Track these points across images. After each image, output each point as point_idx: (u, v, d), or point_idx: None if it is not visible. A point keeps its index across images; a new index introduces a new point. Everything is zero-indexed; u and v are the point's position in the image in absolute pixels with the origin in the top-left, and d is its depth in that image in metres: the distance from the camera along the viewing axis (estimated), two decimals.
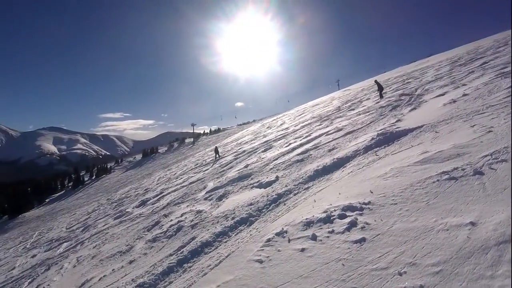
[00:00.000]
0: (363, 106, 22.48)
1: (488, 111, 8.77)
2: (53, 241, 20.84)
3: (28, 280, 12.48)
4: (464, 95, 12.09)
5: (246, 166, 16.85)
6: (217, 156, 31.07)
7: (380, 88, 23.67)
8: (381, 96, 23.08)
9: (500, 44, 25.77)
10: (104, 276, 8.72)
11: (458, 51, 38.08)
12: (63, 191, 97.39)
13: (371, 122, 14.78)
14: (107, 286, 7.72)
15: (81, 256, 12.41)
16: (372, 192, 6.14)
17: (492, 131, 6.99)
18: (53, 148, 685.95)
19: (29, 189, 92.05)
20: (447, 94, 14.05)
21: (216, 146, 35.61)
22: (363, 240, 4.64)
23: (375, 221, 5.03)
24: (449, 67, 24.74)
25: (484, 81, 13.40)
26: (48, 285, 10.42)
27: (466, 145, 6.70)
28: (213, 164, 25.87)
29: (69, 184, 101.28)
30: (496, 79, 12.86)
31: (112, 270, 8.89)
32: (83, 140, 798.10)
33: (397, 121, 12.36)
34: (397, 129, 10.69)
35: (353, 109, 23.12)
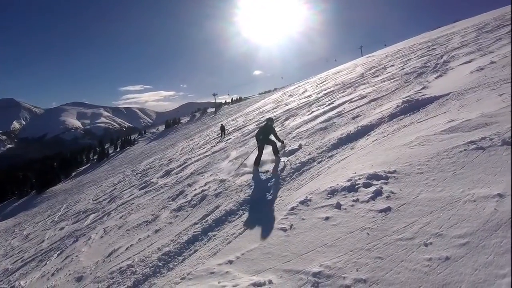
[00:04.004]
0: (387, 73, 21.96)
1: None
2: (81, 213, 21.26)
3: (57, 252, 12.79)
4: (492, 62, 11.70)
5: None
6: (223, 134, 29.98)
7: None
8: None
9: None
10: (130, 245, 8.91)
11: (485, 17, 36.86)
12: (89, 164, 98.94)
13: (396, 89, 14.51)
14: (133, 255, 7.88)
15: (108, 226, 12.66)
16: (397, 161, 6.09)
17: None
18: (77, 123, 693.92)
19: (55, 164, 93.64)
20: (474, 61, 13.62)
21: (222, 124, 34.88)
22: (388, 209, 4.62)
23: (400, 190, 5.00)
24: (475, 33, 23.92)
25: None
26: (77, 256, 10.67)
27: (494, 114, 6.52)
28: (218, 142, 25.81)
29: (94, 157, 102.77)
30: None
31: (139, 239, 9.07)
32: (106, 113, 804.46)
33: (422, 88, 12.09)
34: (422, 97, 10.48)
35: (377, 76, 22.59)
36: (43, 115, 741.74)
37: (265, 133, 10.92)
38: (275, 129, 12.18)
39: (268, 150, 11.05)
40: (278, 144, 11.35)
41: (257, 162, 10.73)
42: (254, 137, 12.18)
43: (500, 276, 2.95)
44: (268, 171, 10.00)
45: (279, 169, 9.66)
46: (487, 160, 4.84)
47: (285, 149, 11.59)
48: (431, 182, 4.84)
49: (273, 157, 10.85)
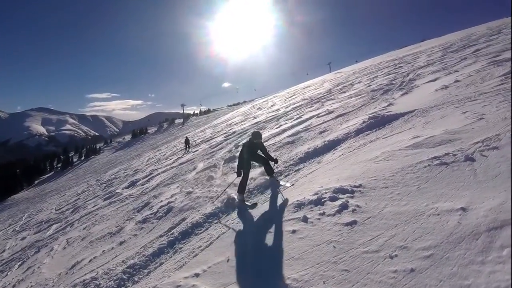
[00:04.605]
0: (354, 89, 22.44)
1: (480, 98, 8.81)
2: (43, 223, 20.68)
3: (18, 263, 12.38)
4: (456, 81, 12.13)
5: (236, 147, 16.94)
6: (187, 147, 29.21)
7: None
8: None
9: (493, 32, 25.77)
10: (94, 257, 8.68)
11: (450, 37, 38.13)
12: (52, 172, 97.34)
13: (362, 105, 14.83)
14: (97, 268, 7.68)
15: (71, 237, 12.32)
16: (363, 175, 6.18)
17: (484, 118, 7.03)
18: (42, 129, 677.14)
19: (18, 170, 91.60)
20: (439, 80, 14.09)
21: (186, 137, 34.03)
22: (354, 222, 4.68)
23: (366, 204, 5.07)
24: (441, 53, 24.74)
25: (477, 68, 13.42)
26: (39, 267, 10.34)
27: (458, 131, 6.73)
28: (182, 156, 25.53)
29: (58, 165, 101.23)
30: (488, 66, 12.88)
31: (102, 251, 8.85)
32: (71, 120, 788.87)
33: (388, 105, 12.40)
34: (388, 113, 10.71)
35: (345, 92, 23.09)
36: (7, 119, 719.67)
37: (251, 152, 8.49)
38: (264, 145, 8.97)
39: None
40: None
41: (243, 189, 8.13)
42: (237, 157, 9.14)
43: (465, 287, 3.03)
44: (255, 204, 7.43)
45: (279, 199, 7.13)
46: (450, 175, 4.99)
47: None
48: (396, 196, 4.93)
49: (267, 179, 8.81)
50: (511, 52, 13.01)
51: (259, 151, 8.70)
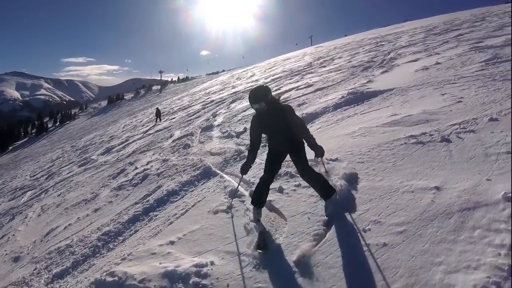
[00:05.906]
0: (334, 64, 22.52)
1: (459, 82, 8.96)
2: (17, 189, 20.34)
3: None
4: (437, 63, 12.27)
5: (214, 116, 16.83)
6: (158, 119, 27.09)
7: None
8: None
9: (477, 19, 26.11)
10: (69, 224, 8.56)
11: (434, 20, 38.35)
12: (27, 138, 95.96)
13: (341, 81, 14.91)
14: (72, 235, 7.59)
15: (45, 204, 12.13)
16: (339, 149, 6.23)
17: (462, 101, 7.18)
18: (16, 94, 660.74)
19: None
20: (420, 60, 14.23)
21: (157, 108, 30.38)
22: None
23: None
24: (423, 34, 24.96)
25: (458, 52, 13.60)
26: (13, 235, 10.16)
27: (435, 112, 6.86)
28: (153, 127, 24.62)
29: (33, 131, 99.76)
30: (470, 52, 13.07)
31: (77, 218, 8.74)
32: (46, 85, 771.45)
33: (368, 82, 12.51)
34: (367, 90, 10.80)
35: (325, 66, 23.18)
36: None
37: (279, 128, 4.52)
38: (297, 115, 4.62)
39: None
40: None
41: (258, 199, 4.78)
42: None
43: (436, 264, 3.10)
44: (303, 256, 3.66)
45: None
46: (426, 154, 5.09)
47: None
48: (371, 172, 5.01)
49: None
50: (511, 38, 13.15)
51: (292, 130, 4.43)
